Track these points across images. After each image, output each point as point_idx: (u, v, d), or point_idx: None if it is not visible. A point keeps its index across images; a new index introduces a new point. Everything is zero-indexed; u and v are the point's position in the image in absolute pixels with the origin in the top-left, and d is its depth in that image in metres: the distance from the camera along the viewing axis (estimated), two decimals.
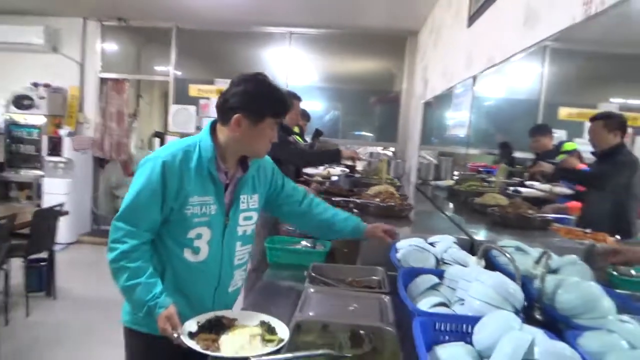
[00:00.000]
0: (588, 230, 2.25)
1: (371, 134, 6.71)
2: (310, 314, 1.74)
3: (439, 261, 1.94)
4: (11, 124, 6.32)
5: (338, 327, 1.61)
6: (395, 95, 6.27)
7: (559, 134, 2.77)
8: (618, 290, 1.56)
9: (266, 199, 1.86)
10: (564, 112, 2.72)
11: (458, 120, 2.78)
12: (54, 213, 4.15)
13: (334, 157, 3.61)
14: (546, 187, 2.39)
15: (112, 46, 6.66)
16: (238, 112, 1.56)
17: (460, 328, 1.35)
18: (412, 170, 4.95)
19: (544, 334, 1.18)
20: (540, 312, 1.49)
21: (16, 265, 4.18)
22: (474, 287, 1.44)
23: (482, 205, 2.78)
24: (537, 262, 1.68)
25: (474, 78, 2.49)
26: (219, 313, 1.57)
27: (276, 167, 1.90)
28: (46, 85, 6.33)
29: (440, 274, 1.78)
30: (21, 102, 6.20)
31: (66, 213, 4.47)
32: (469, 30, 2.72)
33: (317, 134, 5.37)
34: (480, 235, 2.46)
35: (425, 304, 1.53)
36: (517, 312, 1.37)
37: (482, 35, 2.43)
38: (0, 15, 6.31)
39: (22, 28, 6.17)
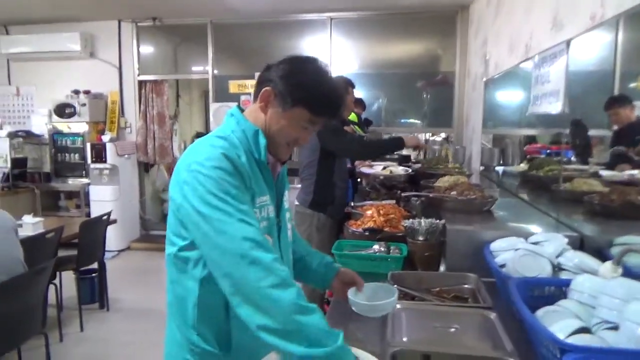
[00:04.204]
0: None
1: (419, 121, 6.30)
2: (405, 340, 1.44)
3: (554, 267, 1.59)
4: (55, 134, 6.30)
5: (445, 358, 1.30)
6: (445, 77, 5.84)
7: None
8: None
9: None
10: None
11: (544, 95, 2.40)
12: (102, 223, 4.00)
13: (396, 145, 3.20)
14: None
15: (148, 48, 6.52)
16: (269, 86, 1.23)
17: None
18: (473, 156, 4.55)
19: None
20: None
21: (70, 278, 4.07)
22: (634, 307, 1.09)
23: (573, 192, 2.39)
24: None
25: (568, 43, 2.10)
26: None
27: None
28: (86, 92, 6.26)
29: (564, 285, 1.44)
30: (63, 110, 6.15)
31: (114, 222, 4.33)
32: None
33: (366, 123, 5.04)
34: (584, 229, 2.07)
35: (561, 330, 1.19)
36: None
37: None
38: (35, 25, 6.29)
39: (58, 35, 6.11)
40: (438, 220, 2.16)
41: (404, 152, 4.46)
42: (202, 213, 1.08)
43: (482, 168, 4.24)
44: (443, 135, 6.29)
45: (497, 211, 2.40)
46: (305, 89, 1.20)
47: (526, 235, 1.87)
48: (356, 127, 3.40)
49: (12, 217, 2.72)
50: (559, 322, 1.22)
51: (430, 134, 6.58)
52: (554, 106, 2.24)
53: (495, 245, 1.85)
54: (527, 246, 1.66)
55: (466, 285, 1.89)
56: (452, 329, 1.48)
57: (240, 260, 1.04)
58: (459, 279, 1.91)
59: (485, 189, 2.75)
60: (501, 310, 1.59)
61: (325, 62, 1.28)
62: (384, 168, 4.23)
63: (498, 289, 1.75)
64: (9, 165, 5.89)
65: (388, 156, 5.21)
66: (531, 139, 3.04)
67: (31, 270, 2.48)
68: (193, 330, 1.22)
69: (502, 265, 1.69)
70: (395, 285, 1.80)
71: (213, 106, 6.15)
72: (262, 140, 1.22)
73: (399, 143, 3.13)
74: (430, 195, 2.52)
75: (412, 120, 6.38)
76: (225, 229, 1.06)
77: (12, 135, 6.01)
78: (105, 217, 4.03)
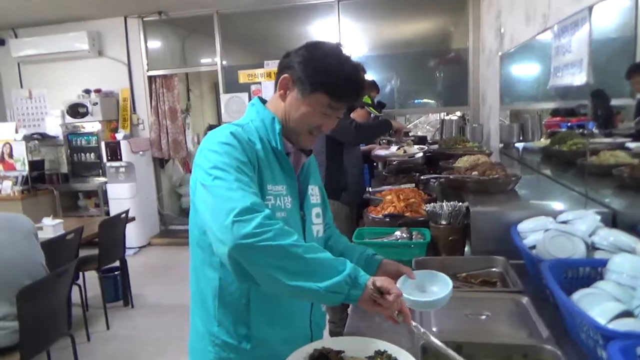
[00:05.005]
0: None
1: (433, 100, 6.17)
2: (434, 330, 1.38)
3: (588, 247, 1.52)
4: (70, 134, 6.32)
5: (479, 348, 1.25)
6: (458, 54, 5.69)
7: None
8: None
9: None
10: None
11: (566, 66, 2.29)
12: (120, 221, 4.01)
13: (386, 127, 3.26)
14: None
15: (155, 43, 6.48)
16: (288, 73, 1.21)
17: None
18: (491, 134, 4.43)
19: None
20: None
21: (93, 277, 4.09)
22: None
23: (600, 166, 2.29)
24: None
25: (590, 9, 1.99)
26: (317, 345, 1.21)
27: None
28: (97, 91, 6.26)
29: (600, 265, 1.36)
30: (76, 110, 6.16)
31: (132, 219, 4.34)
32: None
33: (380, 105, 4.94)
34: (615, 204, 1.99)
35: (601, 314, 1.13)
36: None
37: None
38: (42, 27, 6.29)
39: (65, 36, 6.11)
40: (460, 203, 2.09)
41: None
42: (206, 185, 1.08)
43: (501, 145, 4.14)
44: (458, 114, 6.16)
45: (520, 190, 2.32)
46: (324, 73, 1.17)
47: (554, 213, 1.79)
48: (371, 108, 3.32)
49: (32, 220, 2.72)
50: (598, 306, 1.16)
51: (445, 113, 6.46)
52: (578, 77, 2.14)
53: (522, 226, 1.78)
54: (558, 226, 1.59)
55: (494, 269, 1.83)
56: (484, 316, 1.43)
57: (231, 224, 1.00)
58: (485, 262, 1.85)
59: (507, 167, 2.66)
60: (533, 293, 1.53)
61: (345, 47, 1.24)
62: (399, 148, 4.15)
63: (528, 271, 1.69)
64: (27, 168, 5.93)
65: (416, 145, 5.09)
66: (569, 113, 2.91)
67: (53, 273, 2.48)
68: (214, 320, 1.22)
69: (532, 247, 1.62)
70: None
71: (224, 98, 6.10)
72: (277, 126, 1.21)
73: (387, 125, 3.21)
74: (451, 176, 2.44)
75: (425, 100, 6.25)
76: (220, 193, 1.04)
77: (27, 138, 6.05)
78: (123, 216, 4.03)
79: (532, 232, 1.71)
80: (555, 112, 3.01)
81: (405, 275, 1.29)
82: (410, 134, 5.65)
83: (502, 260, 1.82)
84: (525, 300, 1.49)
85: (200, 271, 1.25)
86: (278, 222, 1.03)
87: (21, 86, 6.67)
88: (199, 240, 1.22)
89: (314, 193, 1.38)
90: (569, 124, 3.19)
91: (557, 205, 2.06)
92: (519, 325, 1.36)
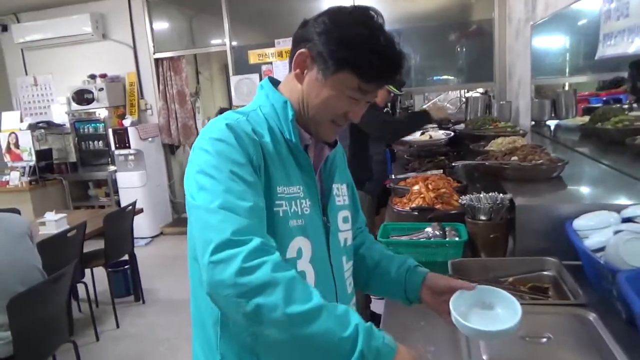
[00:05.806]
0: None
1: (453, 77, 5.81)
2: (484, 358, 1.14)
3: None
4: (77, 122, 6.13)
5: None
6: (480, 26, 5.31)
7: None
8: None
9: None
10: None
11: (621, 33, 1.98)
12: (127, 214, 3.80)
13: (422, 120, 2.94)
14: None
15: (161, 24, 6.21)
16: (305, 47, 0.96)
17: None
18: (521, 112, 4.11)
19: None
20: None
21: (103, 270, 3.93)
22: None
23: None
24: None
25: None
26: None
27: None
28: (103, 76, 6.03)
29: None
30: (82, 97, 5.94)
31: (140, 211, 4.14)
32: None
33: (400, 84, 4.63)
34: None
35: None
36: None
37: None
38: (44, 11, 6.07)
39: (68, 19, 5.88)
40: (501, 195, 1.81)
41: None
42: (190, 201, 0.88)
43: (532, 124, 3.82)
44: (480, 90, 5.81)
45: (564, 175, 2.03)
46: (352, 47, 0.92)
47: (616, 207, 1.51)
48: (391, 87, 3.02)
49: (32, 216, 2.53)
50: None
51: (466, 90, 6.11)
52: (637, 44, 1.83)
53: (580, 223, 1.50)
54: (631, 226, 1.31)
55: (545, 272, 1.57)
56: (544, 339, 1.17)
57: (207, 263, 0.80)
58: (535, 264, 1.59)
59: (544, 149, 2.37)
60: (596, 304, 1.27)
61: (379, 12, 0.96)
62: (422, 133, 3.88)
63: (587, 278, 1.43)
64: (34, 158, 5.77)
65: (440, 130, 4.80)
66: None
67: (49, 278, 2.27)
68: (216, 352, 1.00)
69: (597, 250, 1.35)
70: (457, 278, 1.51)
71: (234, 80, 5.83)
72: (290, 112, 0.97)
73: (422, 119, 2.89)
74: (487, 163, 2.16)
75: (445, 77, 5.90)
76: (200, 216, 0.84)
77: (33, 127, 5.87)
78: (130, 208, 3.82)
79: (594, 230, 1.44)
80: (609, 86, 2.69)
81: (460, 291, 1.03)
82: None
83: (554, 262, 1.56)
84: (592, 316, 1.23)
85: (200, 292, 1.01)
86: (268, 259, 0.78)
87: (26, 73, 6.49)
88: (197, 255, 1.00)
89: (340, 193, 1.13)
90: (604, 99, 2.89)
91: (614, 195, 1.78)
92: (591, 354, 1.11)
